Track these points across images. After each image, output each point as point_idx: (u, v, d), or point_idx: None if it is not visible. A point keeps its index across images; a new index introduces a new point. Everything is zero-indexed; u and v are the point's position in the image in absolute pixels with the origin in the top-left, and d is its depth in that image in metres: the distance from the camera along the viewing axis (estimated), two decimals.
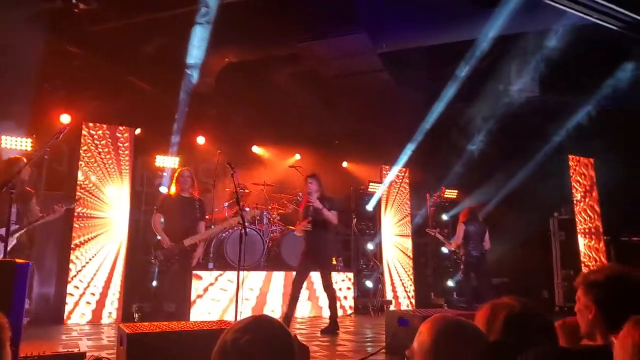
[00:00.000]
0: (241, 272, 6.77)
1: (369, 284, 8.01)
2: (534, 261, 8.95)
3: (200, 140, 8.11)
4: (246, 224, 4.46)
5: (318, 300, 7.25)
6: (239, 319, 4.60)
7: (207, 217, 6.01)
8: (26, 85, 5.85)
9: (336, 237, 5.87)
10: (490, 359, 1.26)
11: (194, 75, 7.04)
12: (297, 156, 9.33)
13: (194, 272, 6.34)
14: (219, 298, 6.68)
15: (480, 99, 8.35)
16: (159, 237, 5.46)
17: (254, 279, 6.93)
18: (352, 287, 7.59)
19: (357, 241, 8.40)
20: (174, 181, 5.44)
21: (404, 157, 8.49)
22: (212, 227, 5.90)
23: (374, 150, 8.89)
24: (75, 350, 3.76)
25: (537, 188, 8.06)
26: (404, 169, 8.85)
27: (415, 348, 1.30)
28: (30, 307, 5.82)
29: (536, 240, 8.92)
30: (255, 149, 9.11)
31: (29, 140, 6.10)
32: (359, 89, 8.76)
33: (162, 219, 5.38)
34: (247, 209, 6.85)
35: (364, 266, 8.26)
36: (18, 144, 6.06)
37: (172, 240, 5.24)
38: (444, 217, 9.25)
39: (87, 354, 3.67)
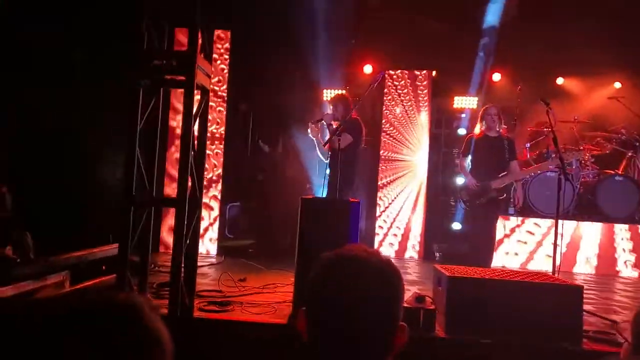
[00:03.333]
0: (548, 221, 6.16)
1: None
2: None
3: (496, 77, 7.54)
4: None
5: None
6: (556, 274, 4.18)
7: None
8: (338, 42, 6.53)
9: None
10: None
11: (493, 7, 6.45)
12: (617, 84, 7.65)
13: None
14: (517, 250, 6.29)
15: None
16: (461, 180, 5.38)
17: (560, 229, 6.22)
18: None
19: None
20: (479, 120, 5.03)
21: None
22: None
23: None
24: None
25: None
26: None
27: None
28: None
29: None
30: (561, 80, 7.88)
31: (344, 91, 6.84)
32: None
33: (469, 162, 5.10)
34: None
35: None
36: None
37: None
38: None
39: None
